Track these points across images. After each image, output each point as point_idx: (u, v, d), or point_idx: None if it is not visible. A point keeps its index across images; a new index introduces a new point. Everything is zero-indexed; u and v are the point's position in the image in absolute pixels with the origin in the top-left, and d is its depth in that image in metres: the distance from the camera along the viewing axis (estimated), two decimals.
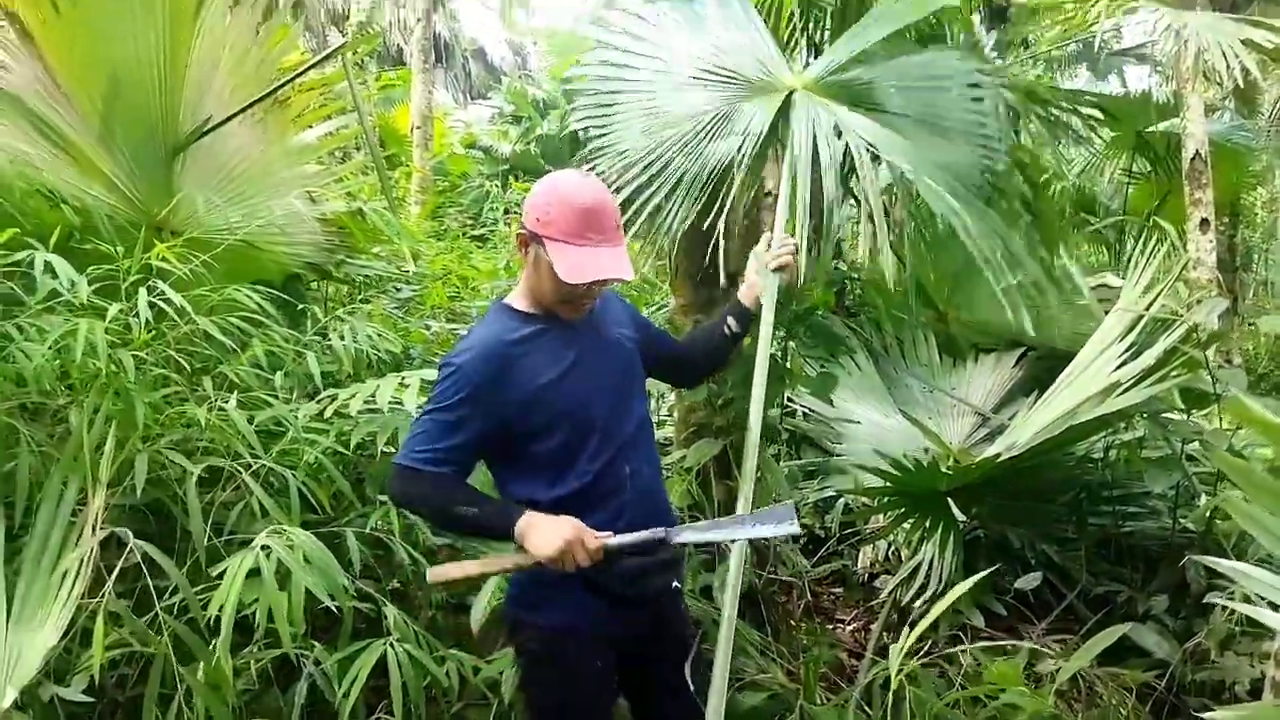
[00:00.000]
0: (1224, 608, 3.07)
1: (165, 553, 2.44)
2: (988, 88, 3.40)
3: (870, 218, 2.99)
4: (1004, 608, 3.62)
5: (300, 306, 3.71)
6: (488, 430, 2.10)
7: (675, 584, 2.34)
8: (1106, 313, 3.84)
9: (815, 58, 5.13)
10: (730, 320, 2.56)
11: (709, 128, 3.02)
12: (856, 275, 5.09)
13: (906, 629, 2.07)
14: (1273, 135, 9.37)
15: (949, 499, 3.55)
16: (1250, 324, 9.42)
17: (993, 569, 2.52)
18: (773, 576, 3.73)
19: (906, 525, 3.84)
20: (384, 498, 2.90)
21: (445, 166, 11.04)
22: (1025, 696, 2.48)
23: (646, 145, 3.07)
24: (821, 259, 3.11)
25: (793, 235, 2.76)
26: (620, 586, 2.19)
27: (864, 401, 4.48)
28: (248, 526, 2.60)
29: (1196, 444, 3.75)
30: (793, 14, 5.16)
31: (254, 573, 2.29)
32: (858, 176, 3.02)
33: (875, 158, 3.00)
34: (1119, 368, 3.42)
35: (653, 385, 3.74)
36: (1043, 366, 4.19)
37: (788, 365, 3.84)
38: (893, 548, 4.27)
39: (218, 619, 2.25)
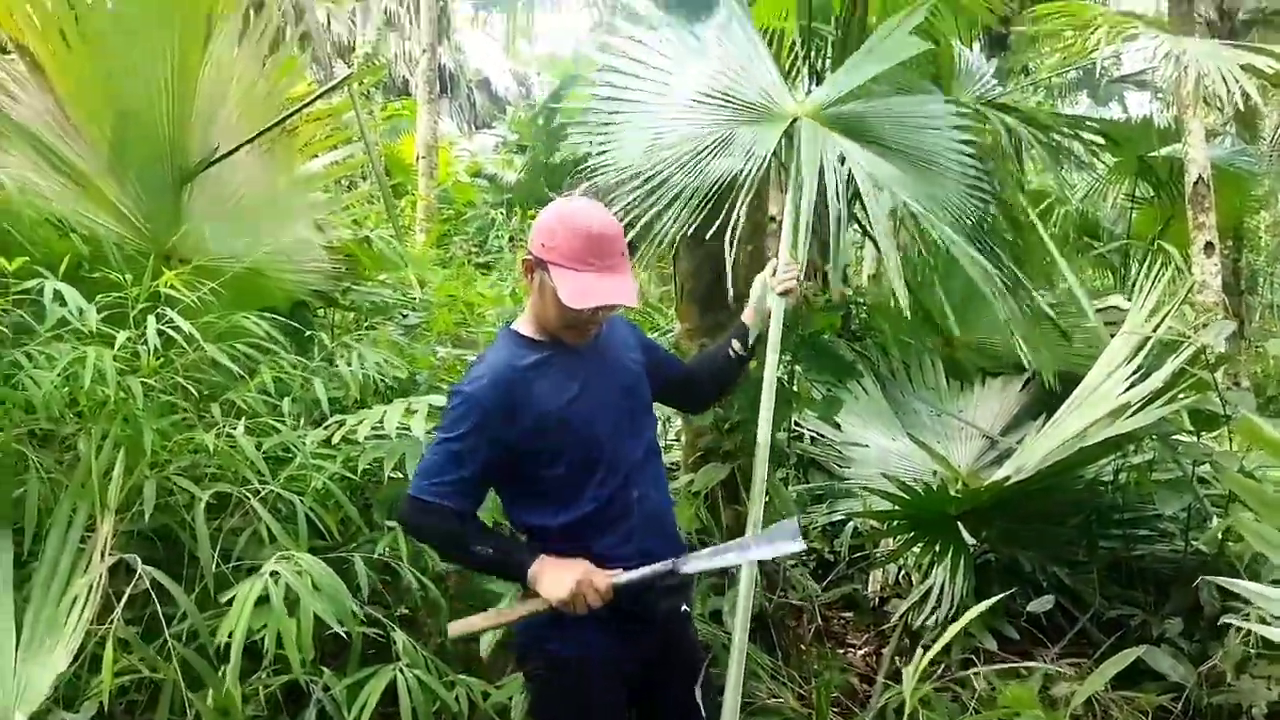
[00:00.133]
0: (1238, 630, 3.04)
1: (174, 579, 2.44)
2: (972, 131, 3.46)
3: (875, 243, 3.01)
4: (1016, 631, 3.58)
5: (307, 333, 3.72)
6: (497, 458, 2.10)
7: (684, 607, 2.32)
8: (1113, 336, 3.83)
9: (817, 85, 5.19)
10: (734, 343, 2.55)
11: (710, 148, 3.04)
12: (862, 300, 5.10)
13: (920, 650, 2.05)
14: (1275, 160, 9.43)
15: (959, 522, 3.53)
16: (1258, 347, 9.41)
17: (1006, 594, 2.50)
18: (783, 600, 3.71)
19: (916, 549, 3.82)
20: (392, 523, 2.89)
21: (450, 195, 11.10)
22: None
23: (646, 162, 3.08)
24: (833, 282, 3.12)
25: (797, 260, 2.76)
26: (629, 604, 2.18)
27: (871, 425, 4.47)
28: (256, 552, 2.60)
29: (1207, 466, 3.74)
30: (794, 43, 5.22)
31: (263, 599, 2.28)
32: (862, 204, 3.04)
33: (877, 186, 3.01)
34: (1127, 390, 3.42)
35: (659, 409, 3.74)
36: (1050, 389, 4.17)
37: (794, 389, 3.84)
38: (903, 571, 4.24)
39: (227, 645, 2.24)
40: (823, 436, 4.51)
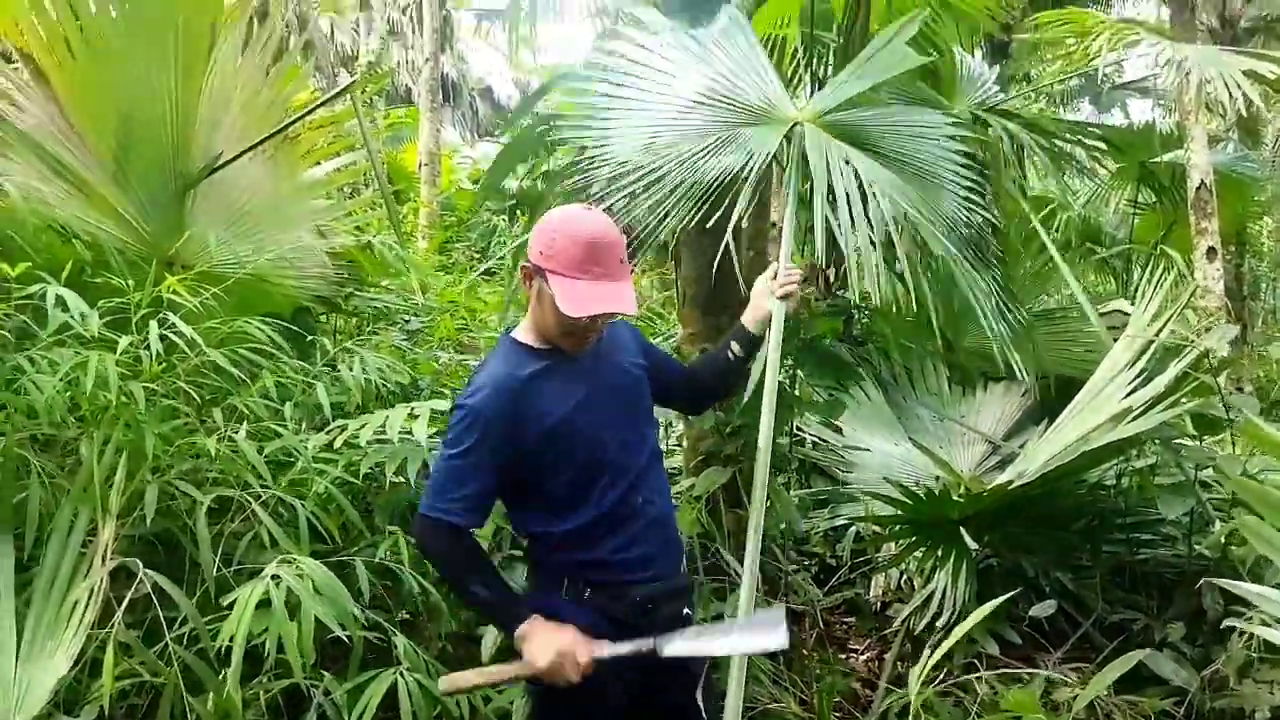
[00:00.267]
0: (1241, 634, 3.03)
1: (175, 583, 2.44)
2: (965, 142, 3.47)
3: (875, 246, 3.00)
4: (1019, 636, 3.58)
5: (309, 339, 3.72)
6: (503, 468, 2.10)
7: (685, 611, 2.32)
8: (1116, 340, 3.83)
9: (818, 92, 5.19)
10: (734, 345, 2.54)
11: (709, 148, 3.04)
12: (863, 305, 5.10)
13: (927, 651, 2.05)
14: (1277, 166, 9.41)
15: (961, 527, 3.53)
16: (1260, 352, 9.40)
17: (1009, 596, 2.49)
18: (785, 605, 3.69)
19: (919, 554, 3.82)
20: (393, 528, 2.90)
21: (453, 202, 11.13)
22: None
23: (644, 158, 3.08)
24: (835, 285, 3.12)
25: (798, 264, 2.76)
26: (634, 617, 2.18)
27: (874, 430, 4.46)
28: (257, 557, 2.60)
29: (1210, 470, 3.73)
30: (796, 50, 5.23)
31: (264, 603, 2.28)
32: (865, 209, 3.04)
33: (874, 193, 3.01)
34: (1130, 394, 3.41)
35: (660, 414, 3.74)
36: (1052, 395, 4.17)
37: (796, 393, 3.84)
38: (905, 576, 4.23)
39: (228, 649, 2.24)
40: (825, 441, 4.51)
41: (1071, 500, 3.91)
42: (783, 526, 3.74)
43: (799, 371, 3.92)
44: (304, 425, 3.22)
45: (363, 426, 2.90)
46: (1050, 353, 4.60)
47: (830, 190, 2.88)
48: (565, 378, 2.16)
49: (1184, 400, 3.31)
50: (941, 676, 3.14)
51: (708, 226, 2.94)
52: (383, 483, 3.00)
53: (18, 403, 2.64)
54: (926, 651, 2.07)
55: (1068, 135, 5.35)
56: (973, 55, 5.78)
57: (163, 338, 2.78)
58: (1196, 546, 3.67)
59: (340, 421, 3.01)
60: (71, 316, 2.72)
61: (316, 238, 4.12)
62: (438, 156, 10.48)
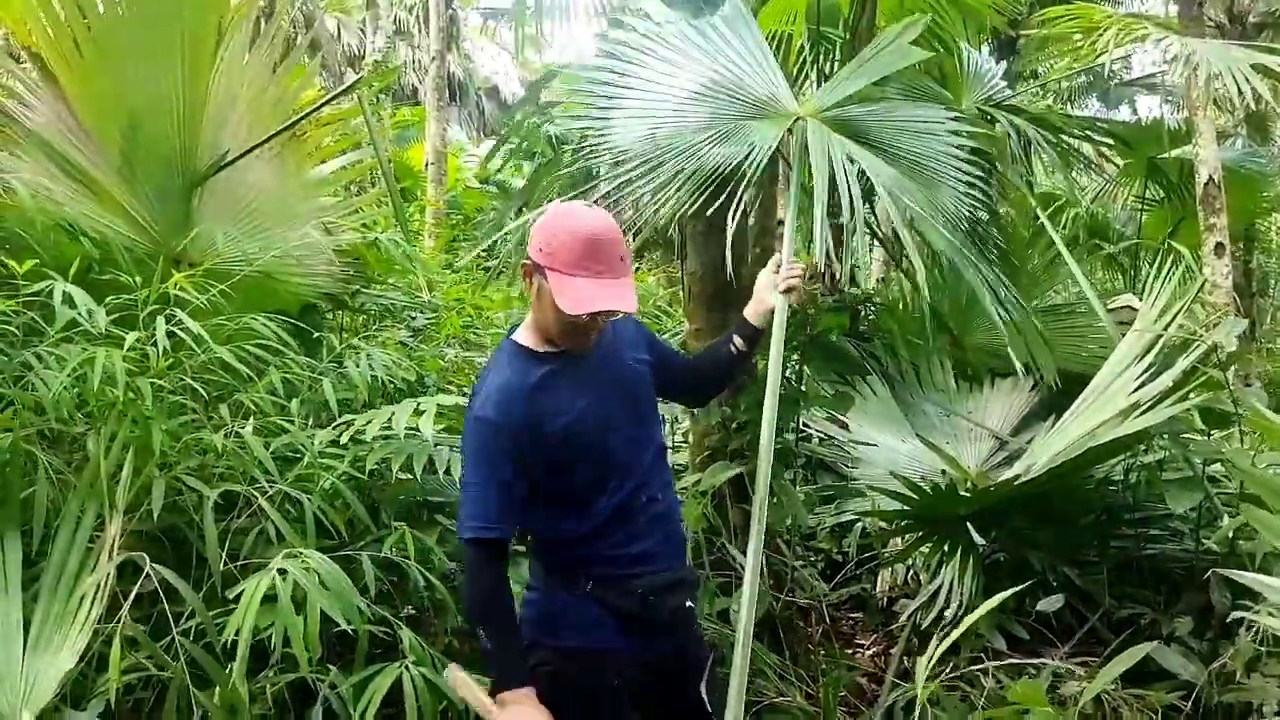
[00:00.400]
0: (1249, 628, 3.02)
1: (181, 578, 2.44)
2: (971, 137, 3.46)
3: (883, 245, 3.00)
4: (1026, 631, 3.57)
5: (316, 335, 3.74)
6: (524, 474, 2.10)
7: (689, 603, 2.32)
8: (1124, 335, 3.82)
9: None
10: (736, 338, 2.53)
11: (711, 139, 3.03)
12: (870, 300, 5.09)
13: (933, 642, 2.04)
14: None
15: (968, 522, 3.52)
16: (1269, 348, 9.36)
17: (1017, 590, 2.49)
18: (790, 600, 3.70)
19: (925, 549, 3.82)
20: (399, 523, 2.90)
21: (459, 201, 11.15)
22: (1050, 718, 2.43)
23: (645, 148, 3.07)
24: (841, 281, 3.11)
25: (801, 259, 2.76)
26: (638, 609, 2.18)
27: (880, 426, 4.46)
28: (263, 552, 2.61)
29: (1218, 465, 3.71)
30: (803, 47, 5.23)
31: (270, 597, 2.29)
32: (870, 204, 3.04)
33: (877, 187, 3.00)
34: (1138, 389, 3.40)
35: (666, 410, 3.74)
36: (1060, 390, 4.16)
37: (802, 388, 3.84)
38: (911, 572, 4.23)
39: (234, 644, 2.25)
40: (831, 437, 4.50)
41: (1079, 495, 3.90)
42: (789, 522, 3.74)
43: (805, 367, 3.92)
44: (310, 421, 3.23)
45: (369, 422, 2.91)
46: (1058, 348, 4.58)
47: (832, 185, 2.87)
48: (572, 379, 2.16)
49: (1192, 395, 3.30)
50: (948, 671, 3.13)
51: (713, 222, 2.94)
52: (389, 478, 3.01)
53: (25, 399, 2.65)
54: (933, 642, 2.06)
55: (1075, 131, 5.33)
56: (980, 51, 5.77)
57: (170, 334, 2.78)
58: (1205, 541, 3.65)
59: (347, 417, 3.02)
60: (79, 313, 2.73)
61: (323, 235, 4.13)
62: (444, 155, 10.49)
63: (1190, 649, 3.24)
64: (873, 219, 3.64)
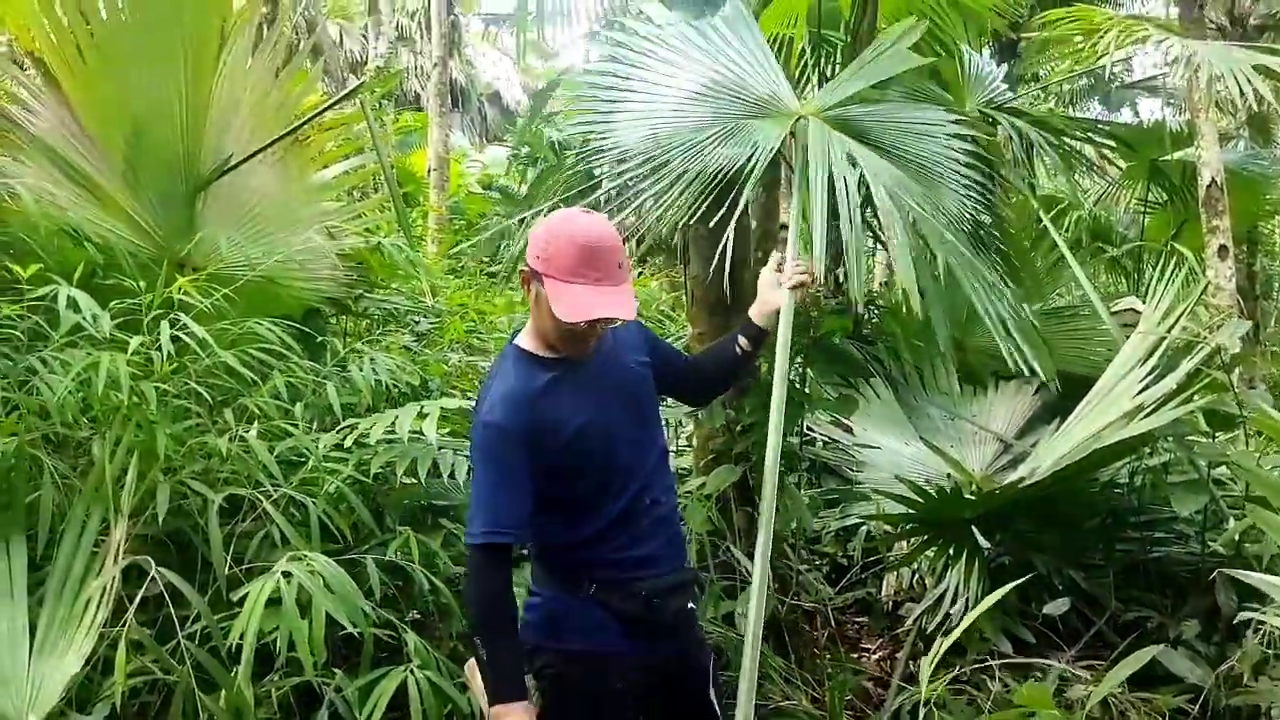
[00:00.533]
0: (1256, 631, 3.01)
1: (187, 582, 2.44)
2: (969, 140, 3.46)
3: (885, 246, 2.99)
4: (1032, 635, 3.56)
5: (320, 340, 3.74)
6: (531, 478, 2.08)
7: (691, 605, 2.31)
8: (1128, 338, 3.82)
9: None
10: (740, 339, 2.51)
11: (713, 138, 3.02)
12: (873, 303, 5.09)
13: (938, 640, 2.04)
14: None
15: (973, 526, 3.51)
16: (1272, 351, 9.34)
17: (1017, 583, 2.48)
18: (795, 604, 3.69)
19: (930, 553, 3.81)
20: (403, 528, 2.90)
21: (462, 207, 11.16)
22: None
23: (647, 148, 3.07)
24: (847, 283, 3.10)
25: (805, 258, 2.74)
26: (642, 612, 2.17)
27: (884, 429, 4.45)
28: (268, 555, 2.61)
29: (1223, 468, 3.70)
30: (804, 50, 5.24)
31: (275, 600, 2.29)
32: (871, 204, 3.03)
33: (880, 186, 3.00)
34: (1142, 391, 3.40)
35: (669, 414, 3.74)
36: (1064, 393, 4.15)
37: (806, 392, 3.83)
38: (917, 575, 4.22)
39: (239, 647, 2.24)
40: (835, 441, 4.50)
41: (1084, 498, 3.89)
42: (794, 525, 3.73)
43: (809, 370, 3.91)
44: (315, 425, 3.23)
45: (373, 426, 2.91)
46: (1061, 351, 4.58)
47: (831, 185, 2.86)
48: (576, 385, 2.15)
49: (1196, 397, 3.29)
50: (954, 675, 3.12)
51: (714, 226, 2.92)
52: (393, 482, 3.01)
53: (30, 403, 2.65)
54: (938, 640, 2.05)
55: (1077, 133, 5.33)
56: (981, 54, 5.78)
57: (174, 339, 2.79)
58: (1210, 544, 3.65)
59: (351, 421, 3.02)
60: (83, 318, 2.73)
61: (326, 239, 4.13)
62: (446, 161, 10.50)
63: (1197, 652, 3.23)
64: (875, 221, 3.64)
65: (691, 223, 3.03)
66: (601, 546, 2.16)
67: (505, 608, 2.09)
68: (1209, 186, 6.18)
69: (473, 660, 2.15)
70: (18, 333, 2.79)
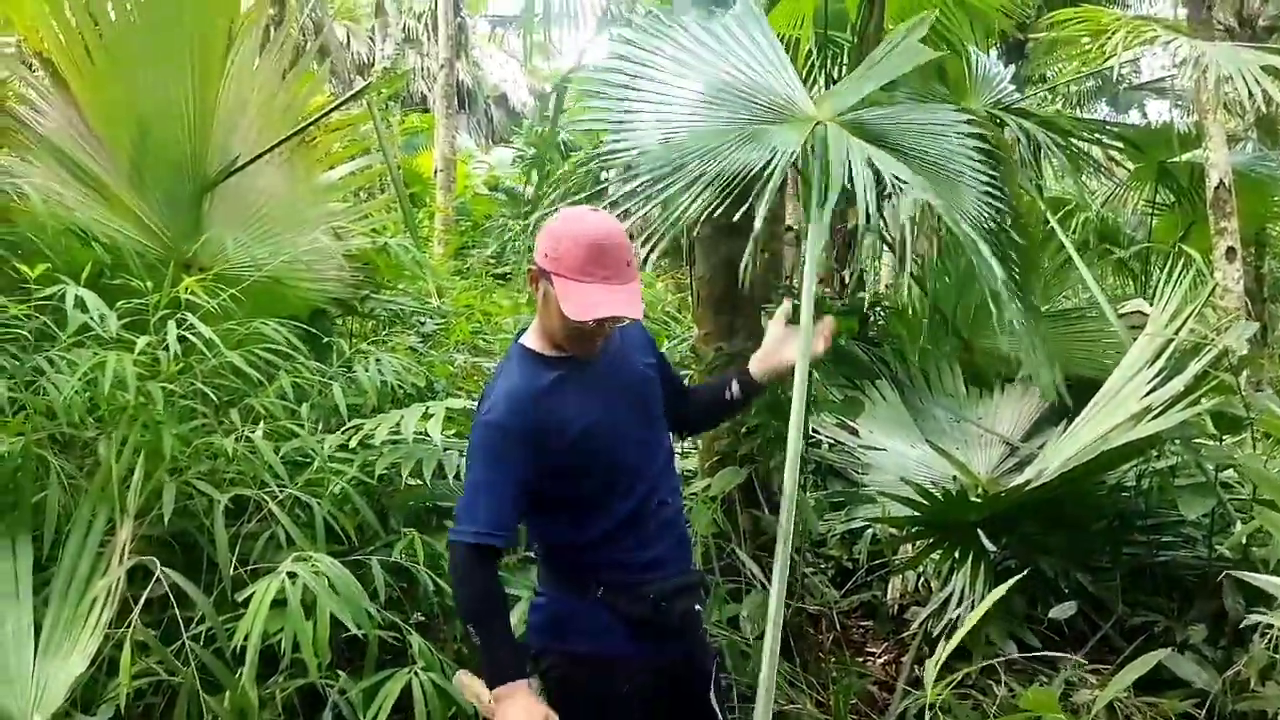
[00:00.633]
0: (1263, 636, 3.00)
1: (192, 582, 2.45)
2: (982, 139, 3.44)
3: (893, 249, 2.97)
4: (1038, 639, 3.55)
5: (326, 340, 3.74)
6: (528, 481, 2.07)
7: (697, 607, 2.30)
8: (1136, 340, 3.80)
9: None
10: (734, 385, 2.45)
11: (732, 143, 2.99)
12: (880, 305, 5.08)
13: (942, 642, 2.03)
14: None
15: (979, 529, 3.50)
16: None
17: (1017, 578, 2.47)
18: (801, 608, 3.68)
19: (936, 556, 3.80)
20: (408, 529, 2.90)
21: (468, 208, 11.18)
22: None
23: (664, 152, 3.03)
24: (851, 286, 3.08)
25: (824, 263, 2.70)
26: (650, 615, 2.16)
27: (890, 432, 4.43)
28: (273, 556, 2.60)
29: (1231, 471, 3.69)
30: (810, 50, 5.24)
31: (280, 602, 2.29)
32: (880, 209, 3.00)
33: (903, 190, 2.96)
34: (1149, 393, 3.39)
35: None
36: (1071, 396, 4.14)
37: (812, 394, 3.83)
38: (922, 579, 4.21)
39: (244, 649, 2.24)
40: (841, 443, 4.48)
41: (1091, 501, 3.88)
42: (800, 528, 3.72)
43: (815, 372, 3.90)
44: (320, 426, 3.24)
45: (378, 427, 2.91)
46: (1069, 353, 4.56)
47: (849, 190, 2.83)
48: (583, 384, 2.14)
49: (1204, 399, 3.28)
50: (960, 679, 3.11)
51: (720, 226, 2.90)
52: (398, 483, 3.01)
53: (37, 403, 2.66)
54: (942, 642, 2.05)
55: (1085, 135, 5.32)
56: (988, 55, 5.77)
57: (181, 339, 2.79)
58: (1218, 547, 3.63)
59: (356, 422, 3.02)
60: (90, 318, 2.74)
61: (333, 240, 4.14)
62: (453, 162, 10.51)
63: (1204, 656, 3.22)
64: (882, 224, 3.62)
65: (702, 228, 3.00)
66: (609, 548, 2.15)
67: (495, 596, 2.09)
68: (1217, 188, 6.15)
69: (460, 673, 2.15)
70: (25, 332, 2.79)
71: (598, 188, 3.75)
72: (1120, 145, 5.87)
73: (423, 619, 2.94)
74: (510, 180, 12.13)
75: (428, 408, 2.95)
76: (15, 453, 2.54)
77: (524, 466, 2.06)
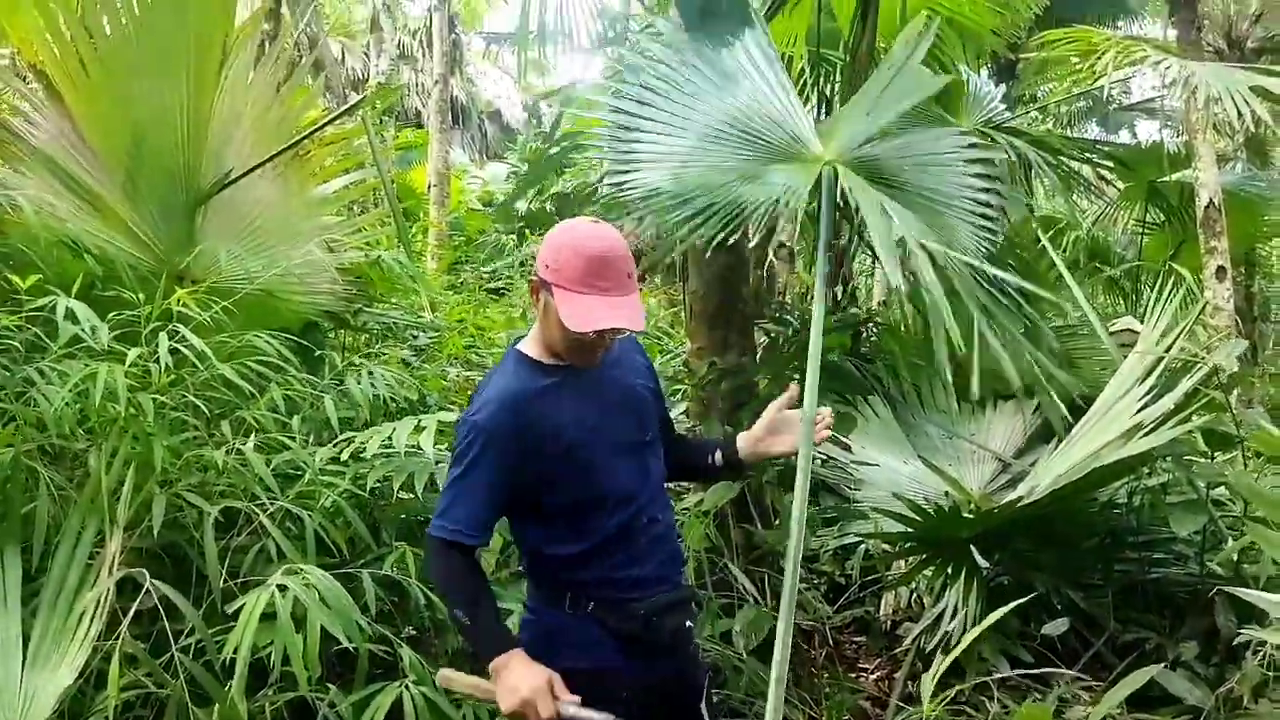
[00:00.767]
0: (1256, 653, 3.00)
1: (181, 595, 2.43)
2: (984, 164, 3.43)
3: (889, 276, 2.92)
4: (1031, 655, 3.54)
5: (318, 353, 3.74)
6: (510, 487, 2.08)
7: (688, 624, 2.29)
8: (1126, 357, 3.82)
9: (826, 111, 5.21)
10: (718, 454, 2.42)
11: (737, 181, 2.94)
12: (872, 320, 5.09)
13: (938, 658, 2.03)
14: None
15: (971, 545, 3.50)
16: (1270, 372, 9.33)
17: (1019, 601, 2.47)
18: (794, 623, 3.67)
19: (929, 572, 3.79)
20: (400, 542, 2.89)
21: (461, 223, 11.20)
22: None
23: (673, 188, 3.00)
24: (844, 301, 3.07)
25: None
26: (640, 631, 2.16)
27: (883, 447, 4.43)
28: (264, 569, 2.59)
29: (1222, 488, 3.69)
30: (804, 70, 5.27)
31: (270, 615, 2.28)
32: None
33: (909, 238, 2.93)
34: (1140, 411, 3.39)
35: None
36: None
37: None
38: (915, 595, 4.20)
39: (234, 661, 2.23)
40: (833, 459, 4.48)
41: (1082, 518, 3.88)
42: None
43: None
44: (312, 439, 3.23)
45: (370, 440, 2.90)
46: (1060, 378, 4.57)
47: (860, 232, 2.79)
48: (575, 394, 2.14)
49: (1194, 416, 3.29)
50: (953, 696, 3.11)
51: (716, 245, 2.88)
52: (390, 497, 3.00)
53: (27, 415, 2.65)
54: (937, 657, 2.04)
55: (1075, 154, 5.35)
56: (979, 74, 5.81)
57: (172, 351, 2.78)
58: (1209, 564, 3.64)
59: (348, 435, 3.01)
60: (82, 329, 2.73)
61: (326, 253, 4.14)
62: (446, 178, 10.53)
63: (1196, 673, 3.21)
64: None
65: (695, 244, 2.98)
66: (599, 563, 2.14)
67: (476, 576, 2.11)
68: (1207, 208, 6.21)
69: (443, 671, 2.14)
70: (16, 344, 2.78)
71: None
72: (1110, 164, 5.91)
73: (414, 632, 2.93)
74: (502, 195, 12.16)
75: (420, 421, 2.94)
76: (5, 464, 2.52)
77: (506, 469, 2.06)
